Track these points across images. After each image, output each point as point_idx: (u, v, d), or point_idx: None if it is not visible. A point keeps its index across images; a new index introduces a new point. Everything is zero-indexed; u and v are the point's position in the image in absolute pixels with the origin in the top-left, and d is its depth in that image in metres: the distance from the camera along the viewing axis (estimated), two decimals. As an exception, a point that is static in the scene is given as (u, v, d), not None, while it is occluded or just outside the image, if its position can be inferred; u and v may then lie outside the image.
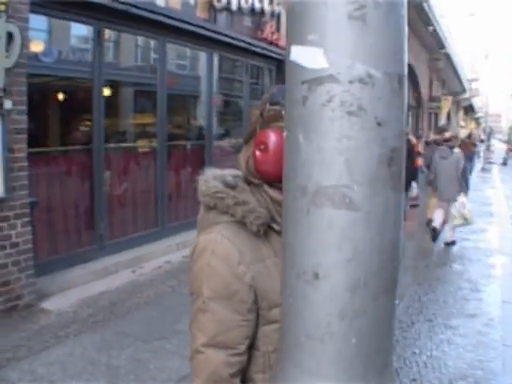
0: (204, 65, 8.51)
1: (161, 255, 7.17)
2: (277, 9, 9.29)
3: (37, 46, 5.43)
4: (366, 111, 0.58)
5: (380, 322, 0.63)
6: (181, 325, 4.71)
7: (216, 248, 1.14)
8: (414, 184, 9.54)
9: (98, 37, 6.11)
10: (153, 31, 7.04)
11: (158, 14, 6.85)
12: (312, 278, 0.62)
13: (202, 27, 7.74)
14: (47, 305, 4.89)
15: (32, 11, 4.53)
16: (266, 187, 1.17)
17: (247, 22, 8.99)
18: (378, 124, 0.58)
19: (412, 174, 9.37)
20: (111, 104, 6.62)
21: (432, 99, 23.06)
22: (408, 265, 6.74)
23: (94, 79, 6.07)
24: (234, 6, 8.13)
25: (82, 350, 3.99)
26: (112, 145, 6.60)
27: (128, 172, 7.12)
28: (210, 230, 1.19)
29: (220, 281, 1.13)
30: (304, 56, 0.59)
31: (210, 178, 1.23)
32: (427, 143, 14.35)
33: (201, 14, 7.88)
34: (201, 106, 8.70)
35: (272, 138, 1.11)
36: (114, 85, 6.76)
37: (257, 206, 1.14)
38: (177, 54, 8.19)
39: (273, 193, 1.15)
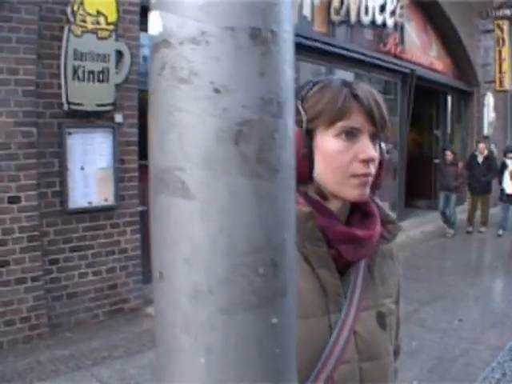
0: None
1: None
2: (400, 20, 8.94)
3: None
4: (199, 76, 0.47)
5: (241, 344, 0.50)
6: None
7: None
8: None
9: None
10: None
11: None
12: (158, 278, 0.51)
13: (320, 41, 7.68)
14: (153, 310, 5.07)
15: (143, 30, 4.79)
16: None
17: (368, 34, 8.75)
18: (216, 91, 0.47)
19: None
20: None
21: None
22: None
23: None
24: (353, 19, 7.96)
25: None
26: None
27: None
28: None
29: None
30: (150, 23, 0.50)
31: None
32: None
33: (319, 28, 7.83)
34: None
35: None
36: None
37: None
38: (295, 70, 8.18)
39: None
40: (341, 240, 0.97)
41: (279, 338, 0.53)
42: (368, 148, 0.96)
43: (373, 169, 0.98)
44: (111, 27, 4.29)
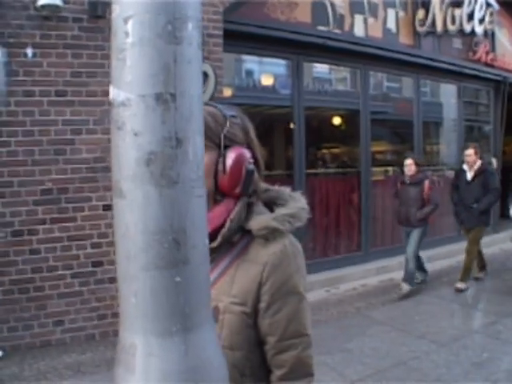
0: (410, 90, 8.44)
1: (359, 278, 7.29)
2: (490, 27, 8.71)
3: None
4: (126, 125, 0.78)
5: (152, 291, 0.81)
6: (350, 344, 4.79)
7: None
8: None
9: (297, 69, 6.67)
10: (353, 60, 7.32)
11: (358, 44, 7.11)
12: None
13: (406, 53, 7.73)
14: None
15: (228, 51, 5.25)
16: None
17: (457, 43, 8.63)
18: (135, 134, 0.78)
19: None
20: (312, 131, 7.08)
21: None
22: None
23: (294, 106, 6.66)
24: (439, 30, 7.92)
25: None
26: (312, 170, 7.07)
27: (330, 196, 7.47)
28: None
29: None
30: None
31: None
32: None
33: (404, 40, 7.89)
34: (405, 131, 8.60)
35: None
36: (313, 112, 7.26)
37: None
38: (379, 81, 8.28)
39: None
40: None
41: (182, 291, 0.83)
42: None
43: None
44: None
